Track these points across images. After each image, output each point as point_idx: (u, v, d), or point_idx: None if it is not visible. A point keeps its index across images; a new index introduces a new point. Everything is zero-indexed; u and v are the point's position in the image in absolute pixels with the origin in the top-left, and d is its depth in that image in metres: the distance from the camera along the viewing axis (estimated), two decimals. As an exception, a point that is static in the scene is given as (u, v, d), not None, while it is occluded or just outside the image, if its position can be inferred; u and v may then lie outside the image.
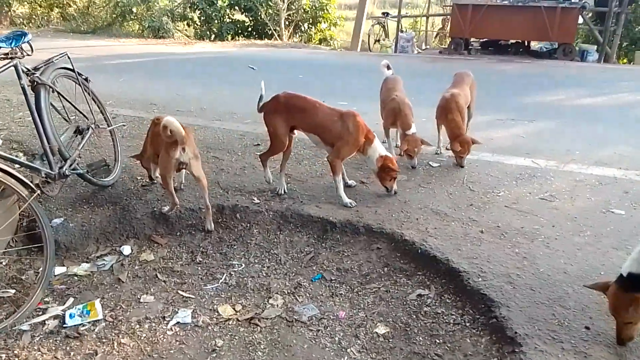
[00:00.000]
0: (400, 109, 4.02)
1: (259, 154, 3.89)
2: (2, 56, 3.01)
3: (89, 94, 3.90)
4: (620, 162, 4.29)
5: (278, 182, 3.77)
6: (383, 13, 16.48)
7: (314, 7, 19.68)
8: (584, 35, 14.50)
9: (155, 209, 3.55)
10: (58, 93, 3.52)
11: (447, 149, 4.62)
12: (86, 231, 3.38)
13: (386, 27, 16.06)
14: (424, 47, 15.84)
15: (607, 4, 12.51)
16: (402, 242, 3.09)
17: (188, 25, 20.73)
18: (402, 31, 15.22)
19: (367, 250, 3.16)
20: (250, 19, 20.14)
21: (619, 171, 4.07)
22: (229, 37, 19.22)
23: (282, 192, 3.71)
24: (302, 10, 19.77)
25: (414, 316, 2.61)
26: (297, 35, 20.33)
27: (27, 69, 3.24)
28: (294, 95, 3.57)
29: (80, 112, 3.79)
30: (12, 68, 3.05)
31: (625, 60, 13.68)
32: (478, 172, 4.08)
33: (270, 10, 19.03)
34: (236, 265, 3.15)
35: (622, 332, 2.12)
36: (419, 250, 2.97)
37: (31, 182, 2.78)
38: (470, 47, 13.41)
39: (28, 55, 3.19)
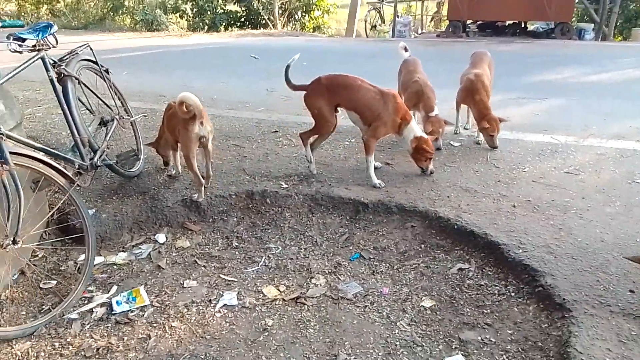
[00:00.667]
0: (423, 91, 4.05)
1: (300, 132, 3.93)
2: (30, 48, 3.00)
3: (111, 85, 3.89)
4: (638, 134, 4.36)
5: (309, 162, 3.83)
6: (379, -1, 16.43)
7: (307, -5, 19.57)
8: (579, 14, 14.53)
9: (185, 197, 3.57)
10: (84, 85, 3.51)
11: (465, 128, 4.67)
12: (119, 221, 3.39)
13: (382, 12, 16.01)
14: (420, 31, 15.81)
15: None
16: (437, 219, 3.13)
17: (180, 17, 20.55)
18: (398, 16, 15.19)
19: (401, 229, 3.20)
20: (244, 9, 20.02)
21: (638, 144, 4.12)
22: (222, 27, 19.12)
23: (314, 171, 3.80)
24: (296, -1, 19.66)
25: (458, 289, 2.66)
26: (291, 24, 20.25)
27: (53, 60, 3.23)
28: (336, 75, 3.63)
29: (105, 104, 3.78)
30: (40, 60, 3.04)
31: (620, 38, 13.74)
32: (500, 150, 4.12)
33: (263, 0, 18.91)
34: (273, 248, 3.19)
35: None
36: (455, 226, 3.02)
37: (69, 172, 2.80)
38: (467, 29, 13.43)
39: (53, 47, 3.18)
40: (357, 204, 3.40)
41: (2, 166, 2.40)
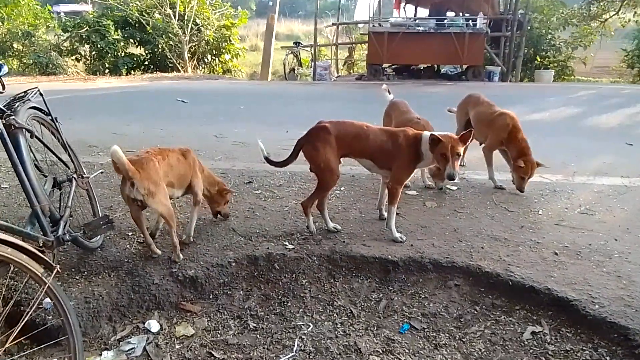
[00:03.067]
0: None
1: (298, 202, 3.37)
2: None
3: (61, 137, 3.17)
4: (617, 170, 4.47)
5: (325, 225, 3.35)
6: (295, 43, 16.54)
7: (216, 39, 19.28)
8: (487, 58, 15.71)
9: (174, 269, 2.89)
10: (38, 139, 2.78)
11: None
12: (94, 308, 2.63)
13: (299, 56, 16.09)
14: (336, 74, 16.09)
15: (500, 29, 13.76)
16: (484, 275, 2.79)
17: (77, 60, 19.12)
18: (315, 61, 15.34)
19: (444, 289, 2.82)
20: (148, 52, 19.17)
21: (624, 179, 4.21)
22: (124, 71, 18.06)
23: (334, 229, 3.33)
24: (205, 42, 19.26)
25: (543, 358, 2.31)
26: (201, 67, 19.73)
27: (1, 109, 2.49)
28: (340, 121, 3.17)
29: (61, 161, 3.04)
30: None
31: (526, 80, 15.02)
32: (497, 193, 3.96)
33: (171, 43, 18.24)
34: (302, 326, 2.63)
35: None
36: (510, 282, 2.69)
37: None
38: (385, 73, 13.87)
39: (0, 93, 2.48)
40: (385, 262, 2.96)
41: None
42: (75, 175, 3.08)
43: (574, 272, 2.74)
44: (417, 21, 13.91)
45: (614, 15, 18.50)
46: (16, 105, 2.65)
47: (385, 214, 3.45)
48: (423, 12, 16.24)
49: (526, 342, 2.42)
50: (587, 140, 5.81)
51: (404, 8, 16.14)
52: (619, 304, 2.44)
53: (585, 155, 5.06)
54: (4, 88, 2.57)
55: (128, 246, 3.17)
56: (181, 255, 2.95)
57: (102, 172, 4.06)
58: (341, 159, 3.23)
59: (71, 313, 2.10)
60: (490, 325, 2.57)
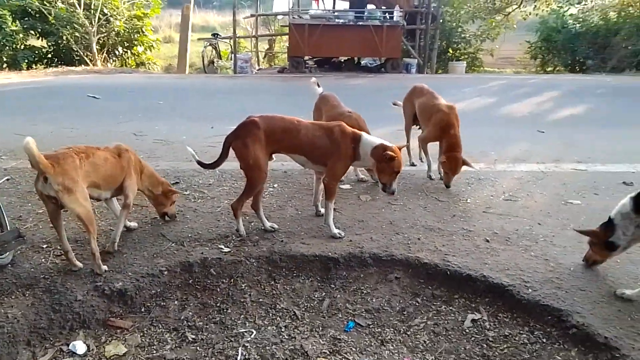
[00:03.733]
0: (360, 126, 3.75)
1: (230, 203, 3.21)
2: None
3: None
4: (532, 157, 4.75)
5: (262, 225, 3.24)
6: (213, 34, 16.03)
7: (128, 30, 18.20)
8: (404, 51, 16.15)
9: (98, 283, 2.65)
10: None
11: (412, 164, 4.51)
12: (9, 333, 2.33)
13: (218, 48, 15.62)
14: (257, 67, 15.82)
15: (415, 22, 14.22)
16: (422, 266, 2.83)
17: (-31, 54, 17.23)
18: (235, 53, 14.98)
19: (385, 283, 2.82)
20: (51, 44, 17.68)
21: (540, 166, 4.48)
22: (25, 65, 16.55)
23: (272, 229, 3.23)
24: (115, 33, 18.11)
25: (485, 345, 2.38)
26: (112, 60, 18.56)
27: None
28: (271, 116, 3.05)
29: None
30: None
31: (440, 71, 15.63)
32: (427, 183, 4.05)
33: (76, 34, 16.94)
34: (245, 333, 2.51)
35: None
36: (447, 272, 2.75)
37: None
38: (307, 65, 13.84)
39: None
40: (326, 260, 2.91)
41: None
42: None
43: (505, 258, 2.85)
44: (336, 13, 13.98)
45: (516, 8, 19.80)
46: None
47: (322, 210, 3.40)
48: (341, 5, 16.40)
49: (467, 330, 2.48)
50: (502, 129, 6.14)
51: (323, 0, 16.20)
52: (549, 286, 2.57)
53: (503, 143, 5.34)
54: None
55: (43, 260, 2.87)
56: (104, 267, 2.71)
57: (8, 179, 3.65)
58: (272, 155, 3.13)
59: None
60: (432, 316, 2.61)
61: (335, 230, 3.14)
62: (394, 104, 4.70)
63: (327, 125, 3.09)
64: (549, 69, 16.96)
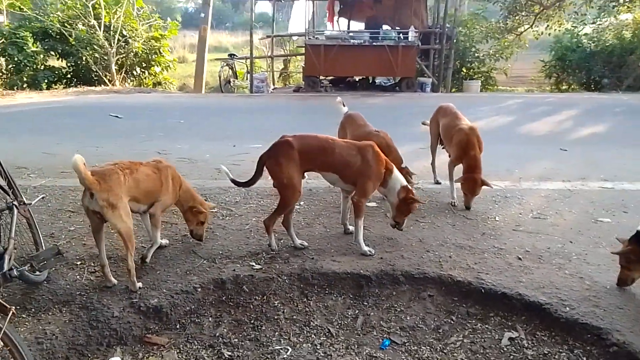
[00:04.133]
0: (389, 145, 3.79)
1: (258, 220, 3.26)
2: None
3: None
4: (557, 175, 4.73)
5: (292, 242, 3.26)
6: (230, 55, 16.28)
7: (145, 51, 18.56)
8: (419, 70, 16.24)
9: (134, 299, 2.68)
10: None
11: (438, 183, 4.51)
12: (48, 350, 2.36)
13: (234, 68, 15.86)
14: (272, 87, 16.01)
15: (429, 42, 14.33)
16: (455, 284, 2.82)
17: (-9, 74, 17.65)
18: (249, 72, 15.20)
19: (419, 300, 2.81)
20: (70, 64, 18.05)
21: (567, 184, 4.46)
22: (44, 85, 16.90)
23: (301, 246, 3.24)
24: (133, 54, 18.47)
25: (524, 364, 2.36)
26: (129, 80, 18.88)
27: None
28: (304, 135, 3.11)
29: (1, 187, 2.74)
30: None
31: (454, 90, 15.67)
32: (456, 201, 4.04)
33: (96, 55, 17.31)
34: (281, 350, 2.51)
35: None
36: (482, 290, 2.74)
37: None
38: (322, 84, 13.97)
39: None
40: (358, 278, 2.92)
41: None
42: (15, 203, 2.78)
43: (540, 276, 2.83)
44: (351, 34, 14.15)
45: (528, 28, 19.88)
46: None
47: (350, 228, 3.42)
48: (355, 26, 16.60)
49: (505, 349, 2.46)
50: (523, 147, 6.13)
51: (338, 21, 16.40)
52: (587, 304, 2.54)
53: (526, 161, 5.33)
54: None
55: (78, 277, 2.91)
56: (138, 284, 2.74)
57: (43, 198, 3.72)
58: (305, 174, 3.17)
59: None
60: (468, 334, 2.59)
61: (366, 248, 3.15)
62: (423, 124, 4.73)
63: (361, 145, 3.14)
64: (564, 87, 16.95)
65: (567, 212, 3.79)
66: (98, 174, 2.54)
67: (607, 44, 15.50)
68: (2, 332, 1.76)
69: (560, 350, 2.39)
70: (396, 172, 3.19)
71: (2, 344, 1.83)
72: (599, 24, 16.59)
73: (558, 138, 6.79)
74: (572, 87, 16.60)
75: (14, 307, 1.87)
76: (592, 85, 15.52)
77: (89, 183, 2.48)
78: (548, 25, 19.13)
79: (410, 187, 3.21)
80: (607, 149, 5.95)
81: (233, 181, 3.20)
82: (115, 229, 2.62)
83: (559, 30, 18.18)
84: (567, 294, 2.64)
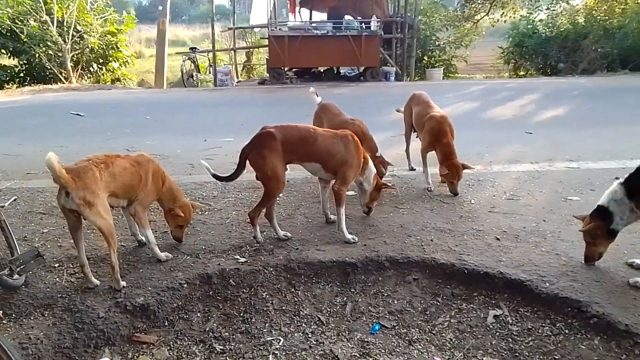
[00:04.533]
0: (364, 132, 3.82)
1: (249, 212, 3.22)
2: None
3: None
4: (525, 157, 4.89)
5: (275, 234, 3.27)
6: (191, 48, 15.97)
7: (102, 47, 17.96)
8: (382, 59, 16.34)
9: (118, 299, 2.63)
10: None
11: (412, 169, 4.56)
12: (34, 355, 2.29)
13: (196, 61, 15.57)
14: (236, 80, 15.80)
15: (391, 31, 14.46)
16: (439, 267, 2.89)
17: None
18: (211, 65, 14.97)
19: (404, 285, 2.87)
20: (23, 62, 17.29)
21: (535, 165, 4.62)
22: (-5, 85, 16.14)
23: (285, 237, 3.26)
24: (89, 50, 17.84)
25: (510, 339, 2.44)
26: (86, 77, 18.26)
27: None
28: (286, 126, 3.10)
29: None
30: None
31: (418, 78, 15.87)
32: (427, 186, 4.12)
33: (50, 52, 16.63)
34: (273, 341, 2.52)
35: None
36: (465, 271, 2.81)
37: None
38: (287, 76, 13.90)
39: None
40: (343, 265, 2.95)
41: None
42: (-12, 206, 2.68)
43: (518, 255, 2.93)
44: (314, 24, 14.11)
45: (484, 16, 20.33)
46: None
47: (332, 217, 3.45)
48: (318, 16, 16.56)
49: (491, 326, 2.54)
50: (490, 131, 6.31)
51: (299, 12, 16.33)
52: (565, 279, 2.65)
53: (494, 145, 5.48)
54: None
55: (58, 279, 2.83)
56: (122, 282, 2.69)
57: (15, 200, 3.58)
58: (287, 166, 3.17)
59: (20, 364, 1.82)
60: (454, 314, 2.66)
61: (349, 236, 3.18)
62: (397, 111, 4.79)
63: (342, 134, 3.18)
64: (521, 73, 17.45)
65: (538, 193, 3.93)
66: (72, 172, 2.46)
67: (561, 30, 16.03)
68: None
69: (543, 325, 2.49)
70: (370, 162, 3.31)
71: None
72: (553, 10, 17.12)
73: (522, 122, 7.01)
74: (530, 72, 17.10)
75: (0, 312, 1.81)
76: (548, 70, 16.03)
77: (64, 182, 2.39)
78: (503, 13, 19.66)
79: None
80: (570, 131, 6.18)
81: (214, 176, 3.16)
82: (95, 226, 2.56)
83: (514, 17, 18.69)
84: (546, 270, 2.75)
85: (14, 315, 2.51)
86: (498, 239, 3.16)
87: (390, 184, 3.47)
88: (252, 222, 3.17)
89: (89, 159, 2.62)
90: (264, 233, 3.31)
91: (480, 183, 4.18)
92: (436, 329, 2.58)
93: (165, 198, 3.05)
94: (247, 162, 3.06)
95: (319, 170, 3.21)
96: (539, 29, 16.55)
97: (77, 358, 2.38)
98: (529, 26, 16.75)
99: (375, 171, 3.37)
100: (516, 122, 7.04)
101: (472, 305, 2.69)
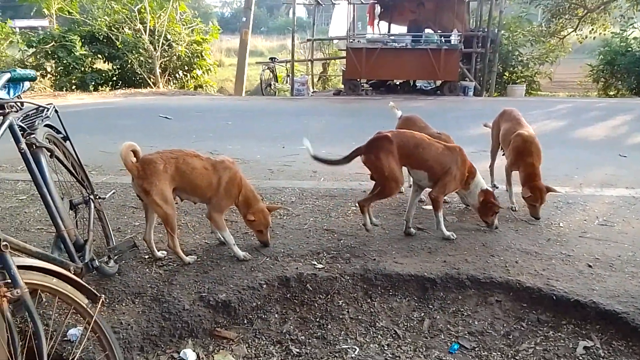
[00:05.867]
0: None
1: (359, 199, 3.44)
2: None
3: (75, 157, 3.00)
4: (619, 181, 4.58)
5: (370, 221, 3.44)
6: (271, 58, 16.49)
7: (188, 55, 18.97)
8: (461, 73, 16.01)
9: (203, 293, 2.73)
10: (57, 158, 2.61)
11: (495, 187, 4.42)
12: (124, 339, 2.43)
13: (275, 71, 16.04)
14: (312, 90, 16.10)
15: (471, 45, 14.12)
16: (524, 290, 2.75)
17: (43, 76, 18.38)
18: (289, 75, 15.36)
19: (486, 306, 2.76)
20: (116, 67, 18.61)
21: (630, 191, 4.31)
22: (91, 87, 17.47)
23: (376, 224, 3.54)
24: (176, 57, 18.91)
25: (602, 374, 2.28)
26: (172, 83, 19.33)
27: (20, 126, 2.32)
28: (403, 132, 3.36)
29: (79, 181, 2.86)
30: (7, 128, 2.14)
31: (497, 94, 15.38)
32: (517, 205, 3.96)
33: (141, 58, 17.79)
34: (348, 349, 2.52)
35: None
36: (554, 297, 2.66)
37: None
38: (362, 88, 13.96)
39: (20, 109, 2.32)
40: (422, 280, 2.89)
41: (8, 290, 1.53)
42: (92, 197, 2.90)
43: (613, 284, 2.74)
44: (393, 37, 14.10)
45: (571, 32, 19.32)
46: (35, 123, 2.47)
47: (412, 230, 3.42)
48: (396, 29, 16.52)
49: (581, 358, 2.39)
50: (581, 152, 5.95)
51: (378, 25, 16.38)
52: (667, 314, 2.44)
53: (585, 167, 5.17)
54: (22, 105, 2.38)
55: (147, 270, 2.98)
56: (187, 258, 3.01)
57: (114, 193, 3.85)
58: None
59: (116, 347, 1.95)
60: (540, 341, 2.53)
61: (448, 233, 3.33)
62: (485, 125, 4.66)
63: (451, 146, 3.31)
64: (612, 92, 16.41)
65: (635, 220, 3.66)
66: (140, 161, 2.75)
67: (658, 48, 14.94)
68: (93, 320, 1.83)
69: (640, 361, 2.30)
70: (479, 176, 3.35)
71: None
72: (650, 27, 16.01)
73: (615, 143, 6.57)
74: (621, 92, 16.04)
75: (103, 296, 1.95)
76: (643, 91, 14.98)
77: (128, 169, 2.72)
78: (593, 29, 18.60)
79: (490, 191, 3.38)
80: (669, 156, 5.72)
81: (315, 157, 3.30)
82: (153, 211, 2.86)
83: (604, 34, 17.63)
84: (645, 303, 2.54)
85: (107, 300, 2.68)
86: (590, 266, 2.96)
87: (497, 202, 3.39)
88: (362, 210, 3.36)
89: (160, 152, 2.86)
90: (341, 242, 3.33)
91: (570, 206, 3.95)
92: (520, 355, 2.46)
93: (241, 205, 3.11)
94: (362, 161, 3.27)
95: (423, 179, 3.33)
96: (633, 47, 15.51)
97: (162, 346, 2.51)
98: (621, 44, 15.74)
99: (484, 187, 3.36)
100: (608, 144, 6.61)
101: (560, 334, 2.54)
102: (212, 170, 2.96)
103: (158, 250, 3.10)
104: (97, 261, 2.42)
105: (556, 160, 5.26)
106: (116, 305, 2.65)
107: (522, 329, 2.61)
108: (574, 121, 8.40)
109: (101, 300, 1.89)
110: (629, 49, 15.50)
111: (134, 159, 2.75)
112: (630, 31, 16.29)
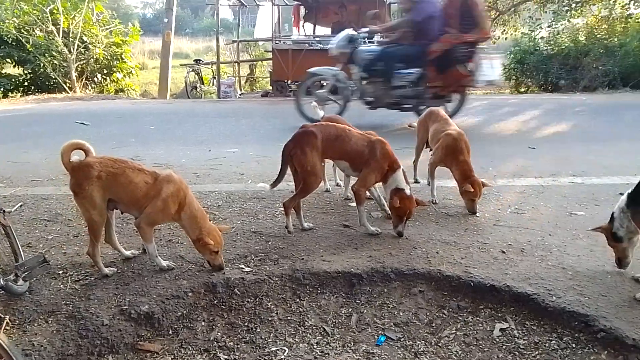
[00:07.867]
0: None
1: (284, 201, 3.45)
2: None
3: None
4: (529, 171, 4.90)
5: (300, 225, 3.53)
6: (196, 60, 16.11)
7: (107, 57, 18.10)
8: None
9: (123, 306, 2.62)
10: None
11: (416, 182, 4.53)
12: (38, 362, 2.28)
13: (200, 73, 15.68)
14: (239, 92, 15.91)
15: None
16: (445, 279, 2.88)
17: (-60, 83, 16.82)
18: (215, 77, 15.08)
19: (410, 296, 2.86)
20: (28, 72, 17.40)
21: (539, 180, 4.62)
22: (0, 94, 16.23)
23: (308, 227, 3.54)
24: (94, 60, 17.98)
25: (517, 353, 2.43)
26: (90, 87, 18.36)
27: None
28: (326, 124, 3.43)
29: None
30: None
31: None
32: (436, 198, 4.12)
33: (55, 62, 16.75)
34: (278, 351, 2.51)
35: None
36: (471, 283, 2.80)
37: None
38: (290, 89, 13.97)
39: None
40: (349, 276, 2.94)
41: None
42: (-2, 211, 2.68)
43: (524, 268, 2.92)
44: (318, 39, 14.23)
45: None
46: None
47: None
48: (321, 30, 16.68)
49: (497, 339, 2.53)
50: (494, 146, 6.30)
51: (303, 26, 16.46)
52: (572, 293, 2.64)
53: (498, 159, 5.48)
54: None
55: (62, 286, 2.81)
56: (106, 270, 2.90)
57: (22, 205, 3.58)
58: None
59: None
60: (460, 327, 2.65)
61: (372, 228, 3.41)
62: (409, 126, 4.82)
63: (370, 138, 3.41)
64: (522, 89, 17.54)
65: (543, 207, 3.93)
66: (79, 162, 2.69)
67: (562, 47, 16.13)
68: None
69: (550, 338, 2.47)
70: (398, 173, 3.35)
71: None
72: (555, 28, 17.26)
73: (525, 137, 7.03)
74: (531, 88, 17.18)
75: (7, 317, 1.81)
76: (549, 87, 16.10)
77: (64, 167, 2.69)
78: (504, 30, 19.83)
79: (406, 193, 3.31)
80: (573, 146, 6.19)
81: (273, 187, 3.44)
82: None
83: (515, 35, 18.81)
84: (552, 284, 2.74)
85: (17, 321, 2.50)
86: (504, 252, 3.15)
87: (407, 203, 3.29)
88: (286, 212, 3.40)
89: (104, 158, 2.75)
90: (269, 243, 3.31)
91: (485, 197, 4.17)
92: (442, 341, 2.56)
93: (187, 225, 2.88)
94: (288, 154, 3.29)
95: (347, 168, 3.50)
96: (541, 46, 16.67)
97: (80, 365, 2.37)
98: (530, 43, 16.87)
99: (401, 186, 3.30)
100: (519, 137, 7.07)
101: (478, 318, 2.68)
102: (153, 183, 2.78)
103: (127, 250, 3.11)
104: (2, 280, 2.24)
105: (473, 155, 5.51)
106: (27, 326, 2.48)
107: (444, 316, 2.73)
108: (488, 117, 8.90)
109: (5, 321, 1.75)
110: (537, 48, 16.62)
111: (75, 158, 2.71)
112: (537, 31, 17.48)
